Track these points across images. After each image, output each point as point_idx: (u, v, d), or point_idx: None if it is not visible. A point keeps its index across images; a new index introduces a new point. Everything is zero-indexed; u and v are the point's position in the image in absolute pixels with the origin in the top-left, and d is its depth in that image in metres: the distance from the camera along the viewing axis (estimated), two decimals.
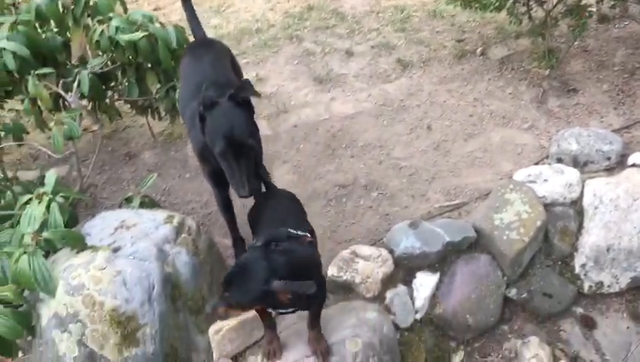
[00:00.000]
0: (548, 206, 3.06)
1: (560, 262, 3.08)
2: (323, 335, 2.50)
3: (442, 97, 4.06)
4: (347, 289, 2.84)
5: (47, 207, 2.60)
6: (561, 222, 3.06)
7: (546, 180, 3.11)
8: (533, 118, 3.78)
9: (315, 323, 2.47)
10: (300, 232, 2.37)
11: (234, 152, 2.39)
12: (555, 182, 3.10)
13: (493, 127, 3.78)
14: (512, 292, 3.00)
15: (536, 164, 3.40)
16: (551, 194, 3.08)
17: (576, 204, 3.10)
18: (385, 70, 4.36)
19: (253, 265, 2.09)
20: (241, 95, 2.43)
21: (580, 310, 3.06)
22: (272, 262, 2.10)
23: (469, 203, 3.30)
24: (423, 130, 3.85)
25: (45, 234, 2.45)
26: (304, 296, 2.12)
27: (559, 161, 3.32)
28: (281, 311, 2.31)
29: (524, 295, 3.00)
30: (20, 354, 2.72)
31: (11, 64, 3.02)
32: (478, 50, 4.37)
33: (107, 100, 3.60)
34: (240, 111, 2.42)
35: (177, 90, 3.50)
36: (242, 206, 3.07)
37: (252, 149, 2.45)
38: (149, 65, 3.44)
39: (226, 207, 2.94)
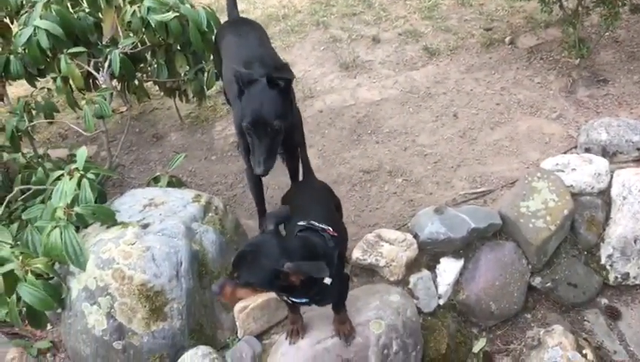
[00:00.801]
0: (575, 195, 3.04)
1: (586, 252, 3.06)
2: (348, 317, 2.52)
3: (469, 85, 4.04)
4: (371, 272, 2.85)
5: (78, 183, 2.63)
6: (589, 211, 3.04)
7: (574, 169, 3.09)
8: (562, 108, 3.75)
9: (339, 306, 2.48)
10: (324, 226, 2.33)
11: (257, 130, 2.43)
12: (584, 171, 3.08)
13: (520, 116, 3.75)
14: (537, 281, 2.99)
15: (564, 153, 3.37)
16: (579, 183, 3.05)
17: (604, 194, 3.08)
18: (411, 57, 4.35)
19: (264, 246, 2.07)
20: (278, 76, 2.44)
21: (604, 301, 3.05)
22: (285, 244, 2.09)
23: (494, 191, 3.29)
24: (449, 117, 3.84)
25: (77, 209, 2.49)
26: (319, 284, 2.12)
27: (588, 150, 3.29)
28: (294, 299, 2.28)
29: (549, 284, 2.99)
30: (49, 326, 2.79)
31: (45, 42, 3.06)
32: (507, 39, 4.34)
33: (136, 81, 3.63)
34: (273, 93, 2.43)
35: (206, 73, 3.53)
36: (274, 188, 3.12)
37: (278, 131, 2.46)
38: (179, 47, 3.47)
39: (256, 184, 2.95)
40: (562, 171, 3.09)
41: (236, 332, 2.68)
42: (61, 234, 2.41)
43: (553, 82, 3.95)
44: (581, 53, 3.87)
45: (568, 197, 2.98)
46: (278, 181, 3.35)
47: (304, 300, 2.27)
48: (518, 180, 3.16)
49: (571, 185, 3.04)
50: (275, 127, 2.44)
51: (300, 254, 2.11)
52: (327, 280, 2.18)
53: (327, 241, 2.27)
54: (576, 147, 3.42)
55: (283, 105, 2.50)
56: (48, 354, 2.69)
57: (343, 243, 2.54)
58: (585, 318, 3.01)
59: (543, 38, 4.32)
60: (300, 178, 2.94)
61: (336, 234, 2.34)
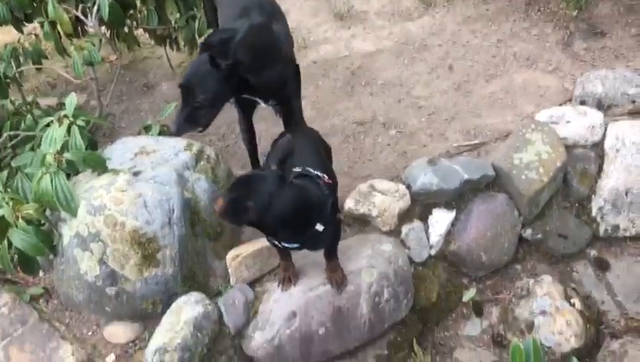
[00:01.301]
0: (569, 147, 3.04)
1: (577, 205, 3.08)
2: (340, 265, 2.53)
3: (465, 37, 3.98)
4: (363, 223, 2.86)
5: (68, 130, 2.59)
6: (581, 164, 3.05)
7: (568, 122, 3.08)
8: (558, 61, 3.71)
9: (332, 254, 2.50)
10: (319, 173, 2.35)
11: (184, 95, 2.46)
12: (578, 123, 3.07)
13: (516, 69, 3.72)
14: (527, 233, 3.02)
15: (560, 106, 3.34)
16: (573, 135, 3.05)
17: (598, 147, 3.08)
18: (407, 8, 4.27)
19: (265, 179, 2.11)
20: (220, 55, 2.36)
21: (594, 252, 3.08)
22: (283, 186, 2.11)
23: (488, 143, 3.27)
24: (444, 69, 3.79)
25: (67, 155, 2.46)
26: (312, 230, 2.18)
27: (583, 103, 3.27)
28: (285, 244, 2.31)
29: (539, 235, 3.01)
30: (41, 273, 2.79)
31: None
32: None
33: (126, 29, 3.55)
34: (211, 69, 2.38)
35: (197, 20, 3.45)
36: (267, 140, 3.09)
37: (201, 105, 2.46)
38: None
39: (248, 132, 2.97)
40: (556, 123, 3.08)
41: (228, 280, 2.69)
42: (51, 180, 2.39)
43: (550, 35, 3.90)
44: (579, 5, 3.82)
45: (562, 149, 2.98)
46: (271, 132, 3.31)
47: (295, 245, 2.29)
48: (512, 132, 3.15)
49: (565, 138, 3.04)
50: (197, 100, 2.44)
51: (295, 200, 2.13)
52: (320, 227, 2.20)
53: (322, 188, 2.28)
54: (571, 100, 3.40)
55: (216, 82, 2.43)
56: (41, 300, 2.69)
57: (336, 190, 2.54)
58: (574, 269, 3.05)
59: None
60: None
61: (330, 182, 2.34)
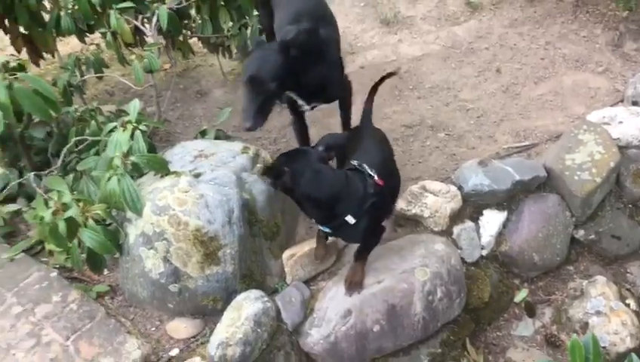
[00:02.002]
0: (622, 148, 3.03)
1: (631, 205, 3.07)
2: (363, 271, 2.59)
3: (512, 40, 4.00)
4: (415, 223, 2.91)
5: (132, 135, 2.72)
6: (635, 164, 3.04)
7: (621, 122, 3.07)
8: (608, 62, 3.70)
9: (360, 255, 2.58)
10: (371, 172, 2.43)
11: (252, 88, 2.59)
12: (631, 124, 3.06)
13: (565, 71, 3.72)
14: (580, 233, 3.01)
15: (611, 107, 3.33)
16: (625, 136, 3.04)
17: None
18: (453, 12, 4.31)
19: (307, 155, 2.36)
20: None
21: None
22: (322, 165, 2.33)
23: (538, 144, 3.29)
24: (492, 72, 3.82)
25: (133, 158, 2.58)
26: (340, 217, 2.32)
27: (635, 104, 3.26)
28: (320, 226, 2.47)
29: (592, 236, 3.01)
30: (106, 271, 2.92)
31: None
32: None
33: (181, 37, 3.69)
34: (276, 56, 2.56)
35: (249, 28, 3.56)
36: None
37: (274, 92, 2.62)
38: (223, 3, 3.50)
39: (301, 134, 3.12)
40: (609, 124, 3.08)
41: (284, 279, 2.77)
42: (119, 181, 2.51)
43: (600, 36, 3.89)
44: (629, 5, 3.80)
45: (615, 149, 2.97)
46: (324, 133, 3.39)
47: (327, 229, 2.44)
48: (563, 133, 3.15)
49: (618, 138, 3.03)
50: (268, 88, 2.58)
51: (326, 180, 2.29)
52: (350, 219, 2.32)
53: (368, 186, 2.37)
54: (622, 101, 3.39)
55: (283, 70, 2.59)
56: (107, 297, 2.82)
57: (392, 195, 2.61)
58: (628, 270, 3.04)
59: None
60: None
61: (381, 184, 2.41)
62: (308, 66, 2.65)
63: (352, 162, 2.45)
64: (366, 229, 2.42)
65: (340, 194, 2.32)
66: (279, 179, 2.28)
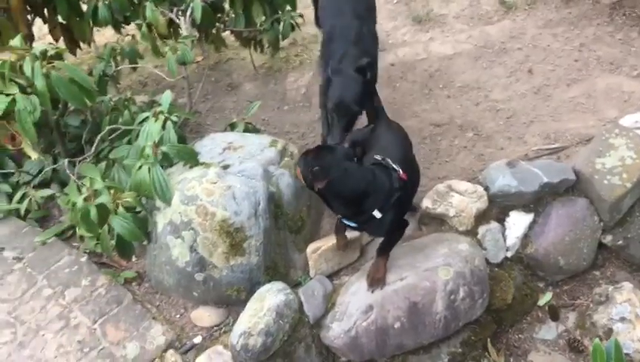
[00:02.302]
0: None
1: None
2: (385, 267, 2.61)
3: (546, 41, 3.95)
4: (440, 222, 2.91)
5: (163, 125, 2.78)
6: None
7: None
8: None
9: (383, 251, 2.60)
10: (395, 166, 2.46)
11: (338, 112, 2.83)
12: None
13: (599, 73, 3.66)
14: (608, 239, 2.98)
15: None
16: None
17: None
18: (487, 12, 4.28)
19: (333, 147, 2.49)
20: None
21: None
22: (349, 162, 2.38)
23: (569, 147, 3.25)
24: (524, 73, 3.78)
25: (163, 148, 2.64)
26: (367, 211, 2.37)
27: None
28: (345, 221, 2.51)
29: (620, 242, 2.97)
30: (134, 258, 2.99)
31: None
32: None
33: (214, 31, 3.73)
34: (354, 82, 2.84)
35: (281, 23, 3.59)
36: None
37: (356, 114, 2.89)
38: None
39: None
40: None
41: (308, 272, 2.80)
42: (149, 170, 2.57)
43: (636, 39, 3.82)
44: None
45: None
46: None
47: (353, 224, 2.47)
48: (594, 137, 3.11)
49: None
50: (355, 111, 2.86)
51: (354, 177, 2.33)
52: (377, 214, 2.35)
53: (393, 180, 2.40)
54: None
55: (364, 95, 2.87)
56: (134, 283, 2.88)
57: (412, 188, 2.62)
58: None
59: None
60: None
61: (405, 178, 2.44)
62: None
63: (375, 157, 2.48)
64: (392, 223, 2.46)
65: (368, 190, 2.36)
66: (311, 180, 2.32)
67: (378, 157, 2.49)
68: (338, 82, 2.86)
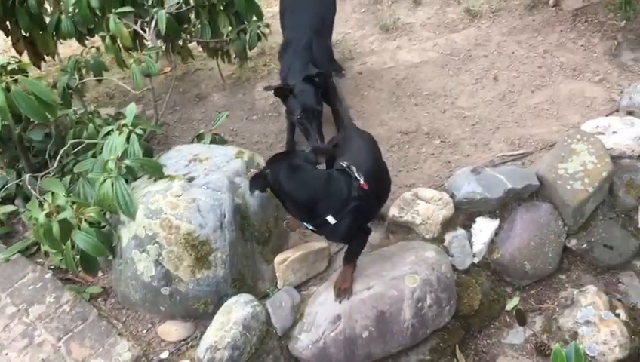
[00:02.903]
0: (615, 158, 3.04)
1: (624, 215, 3.07)
2: (352, 277, 2.62)
3: (511, 48, 4.01)
4: (407, 230, 2.93)
5: (127, 138, 2.76)
6: (628, 174, 3.04)
7: (614, 132, 3.08)
8: (605, 71, 3.70)
9: (348, 259, 2.62)
10: (358, 175, 2.47)
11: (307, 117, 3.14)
12: (625, 134, 3.07)
13: (562, 80, 3.72)
14: (572, 243, 3.02)
15: (606, 116, 3.34)
16: (619, 146, 3.05)
17: None
18: (453, 20, 4.32)
19: (289, 152, 2.82)
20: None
21: None
22: (309, 166, 2.45)
23: (533, 153, 3.29)
24: (489, 80, 3.83)
25: (127, 162, 2.62)
26: (321, 217, 2.42)
27: (630, 114, 3.27)
28: (304, 223, 2.55)
29: (584, 245, 3.01)
30: (99, 273, 2.95)
31: (94, 2, 3.16)
32: (551, 1, 4.26)
33: (180, 42, 3.71)
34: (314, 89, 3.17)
35: (248, 33, 3.59)
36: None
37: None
38: (222, 8, 3.53)
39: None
40: (603, 134, 3.09)
41: (276, 284, 2.79)
42: (112, 185, 2.54)
43: (597, 45, 3.89)
44: (627, 15, 3.80)
45: (608, 159, 2.98)
46: None
47: (310, 226, 2.51)
48: (556, 143, 3.16)
49: (611, 148, 3.04)
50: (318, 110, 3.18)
51: (306, 180, 2.41)
52: (331, 219, 2.39)
53: (352, 189, 2.43)
54: (618, 110, 3.39)
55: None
56: (99, 299, 2.85)
57: (379, 198, 2.65)
58: (620, 280, 3.04)
59: (589, 0, 4.22)
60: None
61: (365, 187, 2.45)
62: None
63: (341, 163, 2.50)
64: (349, 230, 2.48)
65: (320, 194, 2.40)
66: (260, 181, 2.43)
67: (344, 163, 2.51)
68: (297, 93, 3.14)
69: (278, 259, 2.77)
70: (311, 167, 2.45)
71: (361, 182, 2.43)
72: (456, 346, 2.80)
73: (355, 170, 2.48)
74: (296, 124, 3.23)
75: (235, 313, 2.50)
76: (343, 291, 2.59)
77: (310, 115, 3.13)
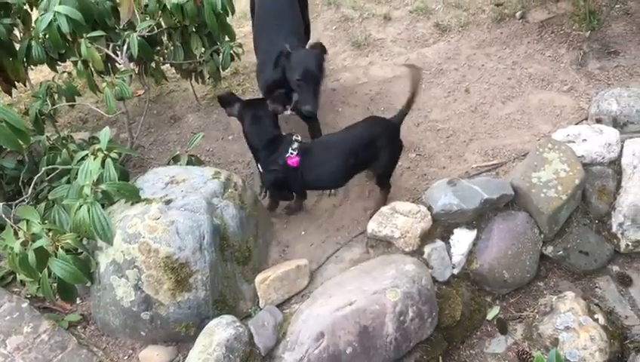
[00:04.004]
0: (586, 165, 3.10)
1: (597, 221, 3.13)
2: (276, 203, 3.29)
3: (480, 61, 4.08)
4: (387, 244, 2.94)
5: (102, 163, 2.73)
6: (600, 181, 3.10)
7: (585, 140, 3.14)
8: (573, 81, 3.79)
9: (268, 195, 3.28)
10: (293, 152, 2.93)
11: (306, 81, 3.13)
12: (594, 141, 3.13)
13: (531, 90, 3.80)
14: (549, 250, 3.06)
15: (576, 125, 3.41)
16: (590, 153, 3.11)
17: (615, 164, 3.14)
18: (423, 34, 4.39)
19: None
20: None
21: (616, 268, 3.12)
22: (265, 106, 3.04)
23: (506, 163, 3.35)
24: (461, 93, 3.89)
25: (103, 186, 2.59)
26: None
27: (599, 121, 3.34)
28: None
29: (561, 252, 3.06)
30: (78, 300, 2.91)
31: (65, 27, 3.13)
32: (518, 14, 4.36)
33: (153, 64, 3.71)
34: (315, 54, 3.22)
35: (221, 54, 3.60)
36: None
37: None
38: (194, 29, 3.54)
39: None
40: (573, 142, 3.15)
41: (257, 303, 2.78)
42: (89, 210, 2.51)
43: (564, 55, 3.99)
44: (592, 25, 3.90)
45: (579, 167, 3.04)
46: None
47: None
48: (529, 152, 3.22)
49: (582, 156, 3.10)
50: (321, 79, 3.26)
51: (260, 129, 3.01)
52: (260, 168, 3.07)
53: (280, 157, 2.92)
54: (587, 118, 3.47)
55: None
56: (79, 327, 2.81)
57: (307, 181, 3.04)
58: (596, 285, 3.08)
59: (554, 12, 4.33)
60: None
61: (294, 164, 2.91)
62: None
63: (296, 135, 2.96)
64: (268, 186, 3.11)
65: (260, 145, 2.98)
66: (230, 106, 3.04)
67: (297, 137, 2.95)
68: (298, 57, 3.17)
69: (258, 278, 2.76)
70: (269, 121, 3.00)
71: (292, 157, 2.88)
72: (440, 358, 2.81)
73: (295, 145, 2.91)
74: (295, 87, 3.17)
75: (217, 335, 2.48)
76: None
77: (309, 79, 3.12)
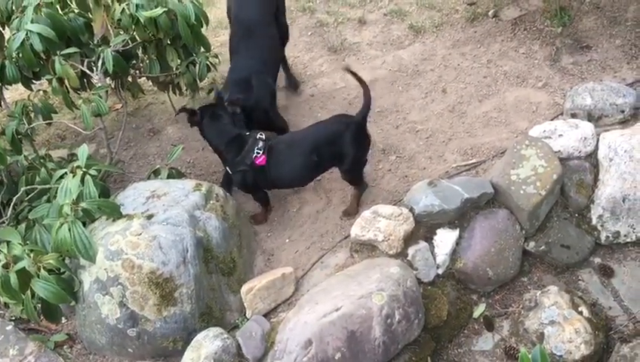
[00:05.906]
0: (564, 160, 3.13)
1: (577, 215, 3.17)
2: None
3: (456, 60, 4.12)
4: (371, 248, 2.96)
5: (82, 180, 2.72)
6: (577, 175, 3.14)
7: (561, 135, 3.18)
8: (547, 77, 3.84)
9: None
10: (259, 151, 3.03)
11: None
12: (570, 136, 3.17)
13: (507, 87, 3.84)
14: (531, 245, 3.10)
15: (551, 120, 3.45)
16: (566, 148, 3.15)
17: (592, 157, 3.18)
18: (398, 37, 4.42)
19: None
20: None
21: (597, 260, 3.16)
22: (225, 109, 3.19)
23: (485, 161, 3.39)
24: (438, 93, 3.92)
25: (83, 204, 2.58)
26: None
27: (574, 116, 3.38)
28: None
29: (543, 247, 3.09)
30: (63, 319, 2.89)
31: (38, 45, 3.12)
32: (490, 13, 4.40)
33: (130, 78, 3.69)
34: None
35: (197, 65, 3.59)
36: None
37: None
38: (169, 42, 3.53)
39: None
40: (550, 138, 3.19)
41: (244, 313, 2.78)
42: (70, 229, 2.50)
43: (538, 52, 4.04)
44: (563, 21, 3.95)
45: (557, 162, 3.07)
46: None
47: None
48: (507, 149, 3.25)
49: (559, 151, 3.14)
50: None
51: (223, 134, 3.09)
52: (229, 170, 3.14)
53: (247, 157, 2.99)
54: (562, 114, 3.51)
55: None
56: (65, 346, 2.79)
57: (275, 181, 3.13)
58: (579, 278, 3.12)
59: (526, 9, 4.38)
60: None
61: (261, 163, 2.98)
62: None
63: (260, 133, 3.02)
64: (239, 185, 3.14)
65: (223, 146, 3.06)
66: (193, 115, 3.13)
67: (262, 135, 3.01)
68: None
69: (244, 288, 2.76)
70: (229, 122, 3.07)
71: (259, 156, 2.96)
72: (428, 358, 2.83)
73: (260, 144, 2.98)
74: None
75: (205, 348, 2.48)
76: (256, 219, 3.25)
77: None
